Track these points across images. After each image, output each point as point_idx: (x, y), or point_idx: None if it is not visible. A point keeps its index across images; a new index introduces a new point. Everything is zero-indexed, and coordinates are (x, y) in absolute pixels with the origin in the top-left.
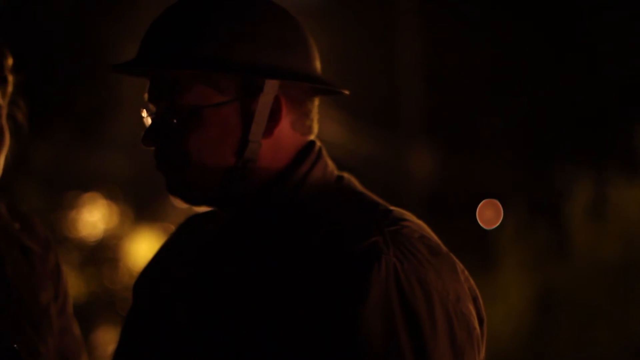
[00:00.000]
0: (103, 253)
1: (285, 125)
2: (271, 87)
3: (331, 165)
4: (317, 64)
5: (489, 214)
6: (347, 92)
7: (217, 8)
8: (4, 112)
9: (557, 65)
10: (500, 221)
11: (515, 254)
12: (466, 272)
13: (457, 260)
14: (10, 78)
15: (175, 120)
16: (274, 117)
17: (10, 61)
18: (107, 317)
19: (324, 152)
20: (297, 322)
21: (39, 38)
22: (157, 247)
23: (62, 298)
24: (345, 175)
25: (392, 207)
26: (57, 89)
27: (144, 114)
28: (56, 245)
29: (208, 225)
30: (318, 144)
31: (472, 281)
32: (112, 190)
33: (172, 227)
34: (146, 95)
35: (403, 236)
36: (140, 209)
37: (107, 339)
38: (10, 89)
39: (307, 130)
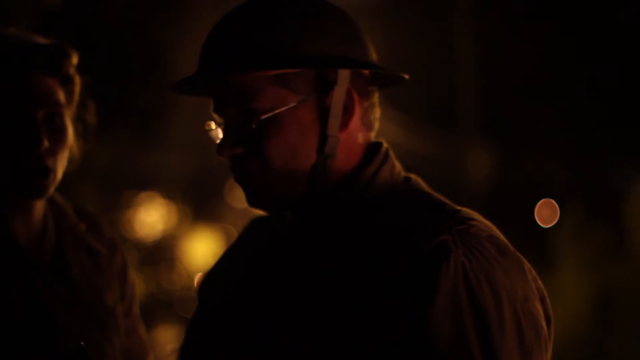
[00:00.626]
0: (161, 253)
1: (356, 118)
2: (344, 79)
3: (398, 166)
4: (375, 58)
5: (546, 213)
6: (407, 77)
7: (279, 8)
8: (67, 111)
9: (614, 64)
10: (556, 219)
11: (573, 254)
12: (533, 272)
13: (524, 260)
14: (77, 78)
15: (254, 126)
16: (348, 110)
17: (74, 60)
18: (165, 317)
19: (391, 154)
20: (365, 320)
21: (96, 38)
22: (215, 247)
23: (128, 299)
24: (413, 176)
25: (459, 207)
26: (115, 88)
27: (212, 126)
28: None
29: (272, 227)
30: (385, 145)
31: (539, 281)
32: (170, 190)
33: (231, 228)
34: (212, 107)
35: (471, 235)
36: (198, 208)
37: (165, 339)
38: (77, 88)
39: (371, 124)
